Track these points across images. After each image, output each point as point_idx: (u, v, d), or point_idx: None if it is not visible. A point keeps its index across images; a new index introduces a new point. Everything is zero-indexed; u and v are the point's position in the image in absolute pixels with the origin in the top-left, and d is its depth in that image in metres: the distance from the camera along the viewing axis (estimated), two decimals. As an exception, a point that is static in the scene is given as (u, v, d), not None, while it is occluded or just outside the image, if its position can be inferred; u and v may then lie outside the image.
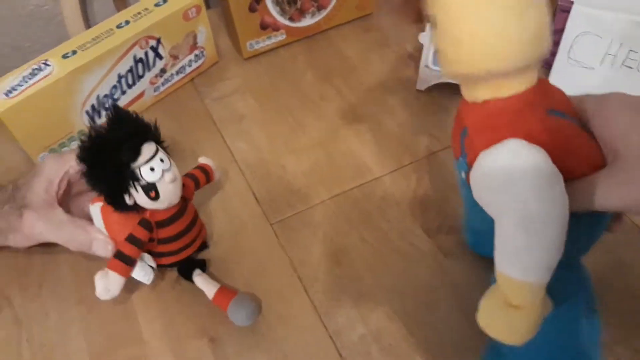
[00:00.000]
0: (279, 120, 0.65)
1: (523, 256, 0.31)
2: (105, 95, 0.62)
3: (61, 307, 0.50)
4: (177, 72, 0.69)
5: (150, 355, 0.46)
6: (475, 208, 0.36)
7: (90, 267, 0.51)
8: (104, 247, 0.48)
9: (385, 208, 0.55)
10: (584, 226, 0.36)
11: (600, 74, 0.61)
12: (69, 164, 0.50)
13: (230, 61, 0.74)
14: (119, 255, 0.44)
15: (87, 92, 0.60)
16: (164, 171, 0.43)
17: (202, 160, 0.54)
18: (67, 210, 0.50)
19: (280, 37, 0.73)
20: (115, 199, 0.43)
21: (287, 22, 0.72)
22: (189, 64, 0.70)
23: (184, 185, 0.47)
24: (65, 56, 0.59)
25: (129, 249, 0.44)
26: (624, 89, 0.60)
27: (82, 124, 0.61)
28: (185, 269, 0.50)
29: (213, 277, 0.50)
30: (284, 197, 0.57)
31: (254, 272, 0.51)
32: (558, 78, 0.64)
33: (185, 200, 0.48)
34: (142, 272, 0.46)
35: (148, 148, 0.42)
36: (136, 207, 0.44)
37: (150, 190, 0.42)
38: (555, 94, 0.36)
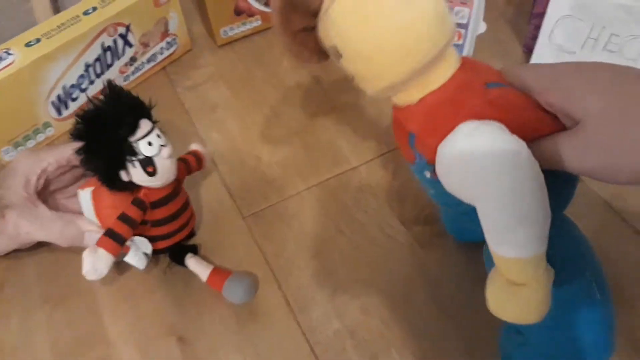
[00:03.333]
0: (253, 109, 0.63)
1: (510, 234, 0.30)
2: (72, 85, 0.60)
3: (25, 308, 0.48)
4: (148, 60, 0.67)
5: (116, 356, 0.44)
6: (446, 201, 0.35)
7: (57, 260, 0.50)
8: (97, 238, 0.45)
9: (361, 199, 0.54)
10: (564, 178, 0.35)
11: (582, 58, 0.60)
12: (47, 161, 0.48)
13: (203, 48, 0.71)
14: (109, 232, 0.43)
15: (52, 82, 0.58)
16: (161, 146, 0.42)
17: (194, 146, 0.53)
18: (49, 205, 0.48)
19: (255, 23, 0.71)
20: (111, 176, 0.42)
21: (263, 8, 0.70)
22: (161, 51, 0.67)
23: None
24: (28, 44, 0.56)
25: (120, 227, 0.43)
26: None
27: (47, 115, 0.59)
28: (178, 254, 0.48)
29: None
30: (259, 189, 0.55)
31: (224, 266, 0.49)
32: (539, 62, 0.62)
33: (178, 181, 0.46)
34: (136, 257, 0.44)
35: (145, 123, 0.42)
36: (131, 186, 0.43)
37: (148, 164, 0.42)
38: (484, 68, 0.35)
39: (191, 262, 0.48)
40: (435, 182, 0.34)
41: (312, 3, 0.34)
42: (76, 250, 0.47)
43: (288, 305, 0.47)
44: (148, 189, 0.44)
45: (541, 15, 0.60)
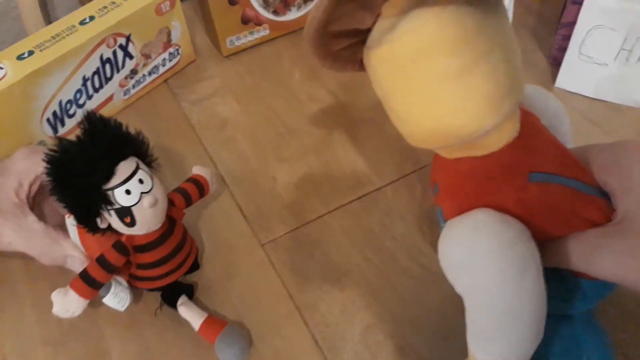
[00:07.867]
0: (265, 125, 0.59)
1: (488, 343, 0.28)
2: (69, 101, 0.55)
3: (23, 349, 0.43)
4: (150, 73, 0.62)
5: (128, 406, 0.40)
6: None
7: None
8: (80, 265, 0.43)
9: (389, 223, 0.49)
10: (577, 282, 0.31)
11: (614, 71, 0.56)
12: (43, 166, 0.43)
13: (208, 59, 0.67)
14: (84, 275, 0.38)
15: (47, 98, 0.53)
16: (142, 194, 0.37)
17: (196, 170, 0.47)
18: (40, 213, 0.44)
19: (263, 32, 0.67)
20: (85, 222, 0.37)
21: (271, 16, 0.66)
22: (163, 63, 0.63)
23: (172, 205, 0.42)
24: (20, 57, 0.51)
25: (95, 272, 0.38)
26: (639, 87, 0.56)
27: (42, 133, 0.54)
28: (170, 295, 0.44)
29: (200, 304, 0.44)
30: (276, 213, 0.51)
31: (244, 301, 0.45)
32: (568, 76, 0.59)
33: (172, 220, 0.42)
34: (116, 299, 0.40)
35: (125, 167, 0.37)
36: (112, 229, 0.38)
37: (125, 215, 0.37)
38: (545, 146, 0.31)
39: (182, 309, 0.43)
40: None
41: (362, 23, 0.30)
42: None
43: (317, 345, 0.42)
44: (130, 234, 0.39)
45: (570, 24, 0.57)
